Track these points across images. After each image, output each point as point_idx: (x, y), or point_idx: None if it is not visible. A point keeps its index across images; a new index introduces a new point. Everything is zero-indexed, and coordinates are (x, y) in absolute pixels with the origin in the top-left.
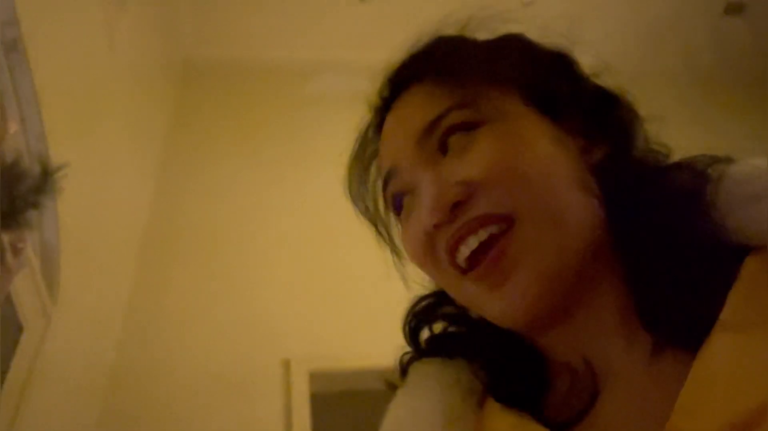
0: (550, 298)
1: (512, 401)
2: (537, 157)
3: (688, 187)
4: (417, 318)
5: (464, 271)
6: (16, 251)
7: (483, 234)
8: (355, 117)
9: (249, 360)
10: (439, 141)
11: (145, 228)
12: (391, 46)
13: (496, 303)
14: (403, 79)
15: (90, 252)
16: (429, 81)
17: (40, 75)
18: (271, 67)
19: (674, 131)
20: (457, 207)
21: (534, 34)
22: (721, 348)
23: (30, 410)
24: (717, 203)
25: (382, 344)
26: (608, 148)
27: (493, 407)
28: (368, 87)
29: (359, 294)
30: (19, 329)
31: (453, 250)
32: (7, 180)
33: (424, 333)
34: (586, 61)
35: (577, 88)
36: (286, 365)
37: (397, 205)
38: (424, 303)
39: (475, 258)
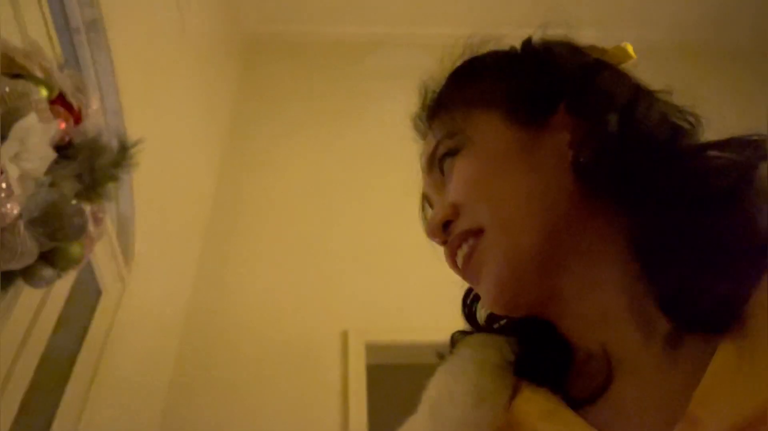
0: (514, 290)
1: (538, 379)
2: (495, 173)
3: (725, 170)
4: (471, 293)
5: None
6: (97, 221)
7: (465, 248)
8: (415, 91)
9: (309, 331)
10: (439, 169)
11: (213, 199)
12: (450, 22)
13: (483, 298)
14: (427, 118)
15: (161, 223)
16: (436, 118)
17: (117, 54)
18: (331, 41)
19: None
20: (447, 226)
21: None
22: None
23: (107, 367)
24: (756, 190)
25: (438, 319)
26: (591, 131)
27: (525, 388)
28: (427, 61)
29: (418, 269)
30: (98, 293)
31: (453, 261)
32: (90, 154)
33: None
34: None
35: (552, 80)
36: (344, 336)
37: None
38: None
39: (465, 264)
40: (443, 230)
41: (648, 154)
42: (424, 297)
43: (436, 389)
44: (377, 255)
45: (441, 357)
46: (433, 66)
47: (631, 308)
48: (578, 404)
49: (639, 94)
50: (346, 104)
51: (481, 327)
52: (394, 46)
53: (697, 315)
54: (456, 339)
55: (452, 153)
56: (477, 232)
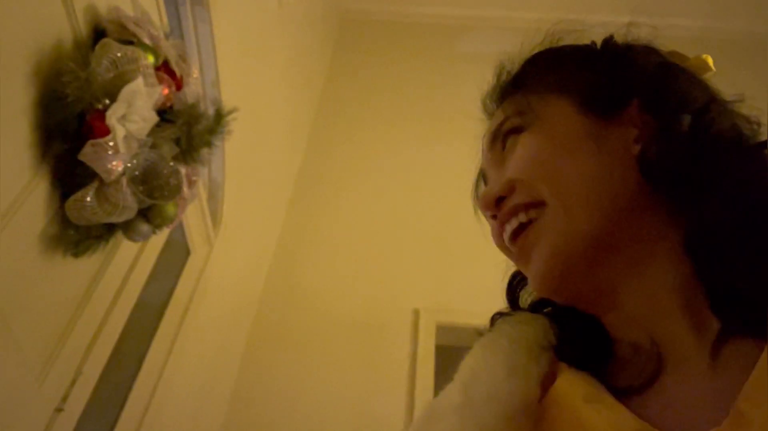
0: (565, 272)
1: (578, 362)
2: (561, 154)
3: None
4: (518, 277)
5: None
6: (191, 183)
7: (515, 222)
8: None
9: (381, 307)
10: (501, 144)
11: (297, 173)
12: (541, 6)
13: (529, 275)
14: (498, 99)
15: (248, 191)
16: (507, 98)
17: (217, 26)
18: (424, 22)
19: None
20: (500, 200)
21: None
22: None
23: (191, 322)
24: None
25: None
26: (663, 129)
27: (566, 370)
28: (517, 46)
29: (494, 253)
30: (187, 252)
31: (500, 236)
32: (188, 120)
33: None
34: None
35: (629, 77)
36: (416, 315)
37: None
38: None
39: (513, 239)
40: (495, 204)
41: (714, 156)
42: (497, 282)
43: (469, 362)
44: (454, 237)
45: (480, 334)
46: (556, 29)
47: (682, 305)
48: (623, 393)
49: (712, 100)
50: (435, 86)
51: (521, 309)
52: (485, 29)
53: (747, 317)
54: (496, 318)
55: (518, 130)
56: (534, 204)
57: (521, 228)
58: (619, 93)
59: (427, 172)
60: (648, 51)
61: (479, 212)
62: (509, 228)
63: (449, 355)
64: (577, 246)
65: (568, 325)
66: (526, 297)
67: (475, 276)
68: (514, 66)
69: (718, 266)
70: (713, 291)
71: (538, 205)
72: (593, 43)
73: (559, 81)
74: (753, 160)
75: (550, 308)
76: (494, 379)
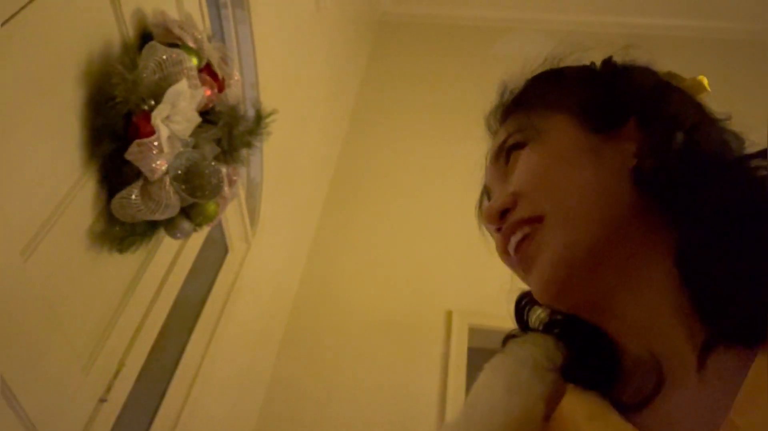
0: (565, 281)
1: (588, 382)
2: (561, 167)
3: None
4: (525, 299)
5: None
6: (231, 182)
7: (519, 235)
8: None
9: (415, 307)
10: (504, 159)
11: (333, 175)
12: (578, 9)
13: (531, 287)
14: (502, 117)
15: (286, 192)
16: (511, 116)
17: (257, 29)
18: (461, 25)
19: None
20: (505, 214)
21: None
22: None
23: (228, 318)
24: None
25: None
26: (655, 146)
27: (573, 389)
28: (553, 49)
29: None
30: (225, 251)
31: (504, 248)
32: (229, 121)
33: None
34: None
35: (627, 96)
36: (449, 316)
37: None
38: None
39: (517, 250)
40: (500, 218)
41: (704, 171)
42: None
43: (477, 383)
44: (489, 239)
45: (491, 355)
46: (558, 51)
47: (675, 316)
48: (628, 409)
49: (704, 118)
50: (471, 88)
51: (531, 330)
52: (522, 31)
53: (734, 326)
54: (507, 340)
55: (520, 145)
56: (536, 219)
57: (524, 239)
58: (618, 110)
59: (463, 174)
60: (645, 71)
61: (483, 227)
62: (514, 240)
63: (481, 358)
64: (577, 255)
65: (576, 345)
66: (534, 318)
67: (509, 279)
68: (517, 85)
69: (705, 277)
70: (700, 302)
71: (540, 219)
72: (593, 63)
73: (560, 98)
74: (739, 174)
75: (558, 329)
76: (493, 396)
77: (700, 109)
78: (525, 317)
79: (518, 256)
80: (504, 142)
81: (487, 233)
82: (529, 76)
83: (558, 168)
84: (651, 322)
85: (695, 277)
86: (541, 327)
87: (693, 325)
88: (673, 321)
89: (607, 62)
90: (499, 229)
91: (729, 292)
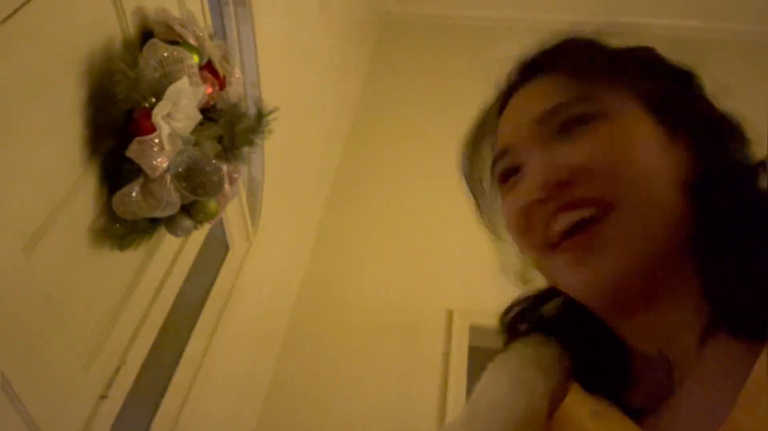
0: (626, 282)
1: (595, 386)
2: (644, 155)
3: None
4: (514, 310)
5: (554, 245)
6: (232, 181)
7: (577, 215)
8: None
9: (416, 306)
10: (556, 127)
11: (335, 174)
12: (582, 9)
13: (577, 276)
14: (534, 68)
15: (287, 191)
16: (557, 73)
17: (259, 27)
18: (464, 24)
19: None
20: (560, 187)
21: (662, 49)
22: None
23: (230, 317)
24: None
25: None
26: (713, 165)
27: (577, 387)
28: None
29: None
30: (226, 249)
31: (550, 220)
32: (230, 119)
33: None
34: (709, 82)
35: (693, 106)
36: (449, 316)
37: (503, 181)
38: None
39: (567, 234)
40: (553, 188)
41: (749, 196)
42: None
43: (481, 381)
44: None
45: (494, 353)
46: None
47: (695, 317)
48: (638, 412)
49: (744, 133)
50: (474, 87)
51: (519, 332)
52: (525, 31)
53: (743, 327)
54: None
55: (585, 117)
56: (606, 203)
57: (584, 223)
58: (686, 115)
59: None
60: (702, 82)
61: (477, 186)
62: (566, 219)
63: (482, 357)
64: (652, 251)
65: (585, 345)
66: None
67: (508, 281)
68: (569, 46)
69: (721, 272)
70: (713, 293)
71: (612, 204)
72: (659, 53)
73: (630, 80)
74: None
75: (563, 329)
76: (498, 392)
77: (740, 124)
78: (515, 328)
79: (578, 239)
80: (560, 105)
81: (482, 228)
82: (583, 38)
83: (637, 155)
84: (675, 323)
85: (712, 274)
86: (542, 329)
87: (708, 328)
88: (691, 324)
89: (678, 63)
90: (541, 200)
91: (742, 284)
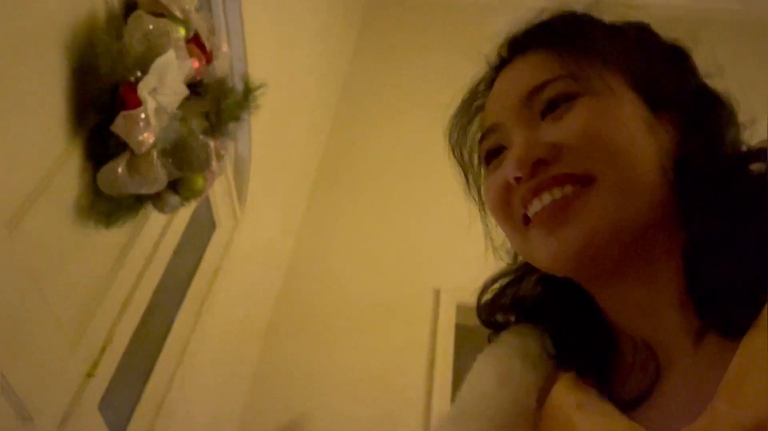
0: (596, 252)
1: (583, 373)
2: (625, 132)
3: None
4: (494, 303)
5: (528, 221)
6: (219, 157)
7: (557, 193)
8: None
9: (402, 286)
10: (542, 104)
11: (323, 152)
12: None
13: (545, 247)
14: (523, 44)
15: (274, 168)
16: (546, 50)
17: (247, 4)
18: (452, 3)
19: None
20: (540, 165)
21: (656, 27)
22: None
23: (216, 295)
24: None
25: None
26: (698, 145)
27: (564, 378)
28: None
29: None
30: (213, 226)
31: (527, 202)
32: (217, 94)
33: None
34: (701, 60)
35: (683, 85)
36: (436, 294)
37: (488, 159)
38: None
39: (553, 207)
40: (533, 166)
41: (735, 175)
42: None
43: (469, 375)
44: (476, 216)
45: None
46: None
47: (674, 305)
48: (628, 404)
49: (735, 116)
50: (462, 67)
51: (501, 325)
52: (514, 9)
53: (723, 317)
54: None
55: (572, 95)
56: (585, 179)
57: (557, 203)
58: (676, 95)
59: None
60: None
61: (466, 160)
62: (549, 197)
63: (469, 334)
64: (624, 226)
65: (571, 329)
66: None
67: (499, 258)
68: (559, 21)
69: (707, 270)
70: (699, 293)
71: (590, 181)
72: (650, 28)
73: (619, 57)
74: (747, 171)
75: (549, 315)
76: (485, 387)
77: (733, 110)
78: (493, 319)
79: (550, 213)
80: (546, 83)
81: (475, 210)
82: (572, 13)
83: (619, 132)
84: (651, 307)
85: (698, 270)
86: (528, 318)
87: (689, 315)
88: (671, 310)
89: (672, 41)
90: (518, 179)
91: (727, 286)
